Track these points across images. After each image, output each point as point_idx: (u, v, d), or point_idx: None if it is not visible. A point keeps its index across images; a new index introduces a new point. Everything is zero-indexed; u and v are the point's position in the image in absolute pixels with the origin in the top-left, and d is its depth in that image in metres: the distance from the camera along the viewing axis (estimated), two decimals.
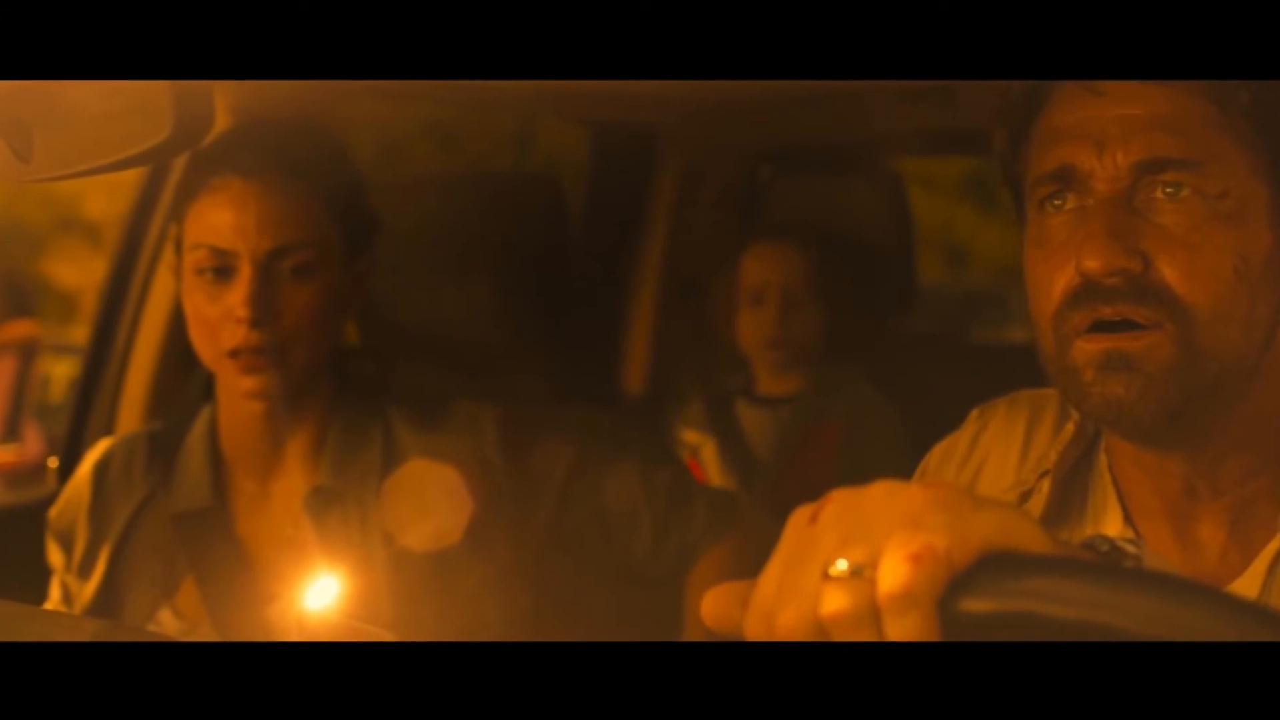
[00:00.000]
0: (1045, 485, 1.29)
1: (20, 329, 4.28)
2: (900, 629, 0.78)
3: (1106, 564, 0.83)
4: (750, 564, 0.83)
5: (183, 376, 2.19)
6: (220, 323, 1.74)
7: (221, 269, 1.74)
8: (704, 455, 2.78)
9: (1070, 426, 1.31)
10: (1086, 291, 1.15)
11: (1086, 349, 1.16)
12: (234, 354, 1.74)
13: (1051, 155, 1.19)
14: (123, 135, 1.10)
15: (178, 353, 2.23)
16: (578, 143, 3.09)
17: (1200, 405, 1.16)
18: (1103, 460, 1.27)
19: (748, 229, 2.98)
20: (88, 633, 1.08)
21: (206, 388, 1.89)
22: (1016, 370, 1.36)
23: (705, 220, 3.00)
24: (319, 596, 1.21)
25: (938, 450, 1.42)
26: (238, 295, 1.72)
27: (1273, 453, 1.20)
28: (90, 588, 1.86)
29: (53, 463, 2.45)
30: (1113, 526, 1.24)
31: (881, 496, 0.82)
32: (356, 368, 1.89)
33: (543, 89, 2.36)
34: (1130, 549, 0.84)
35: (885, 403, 2.74)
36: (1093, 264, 1.14)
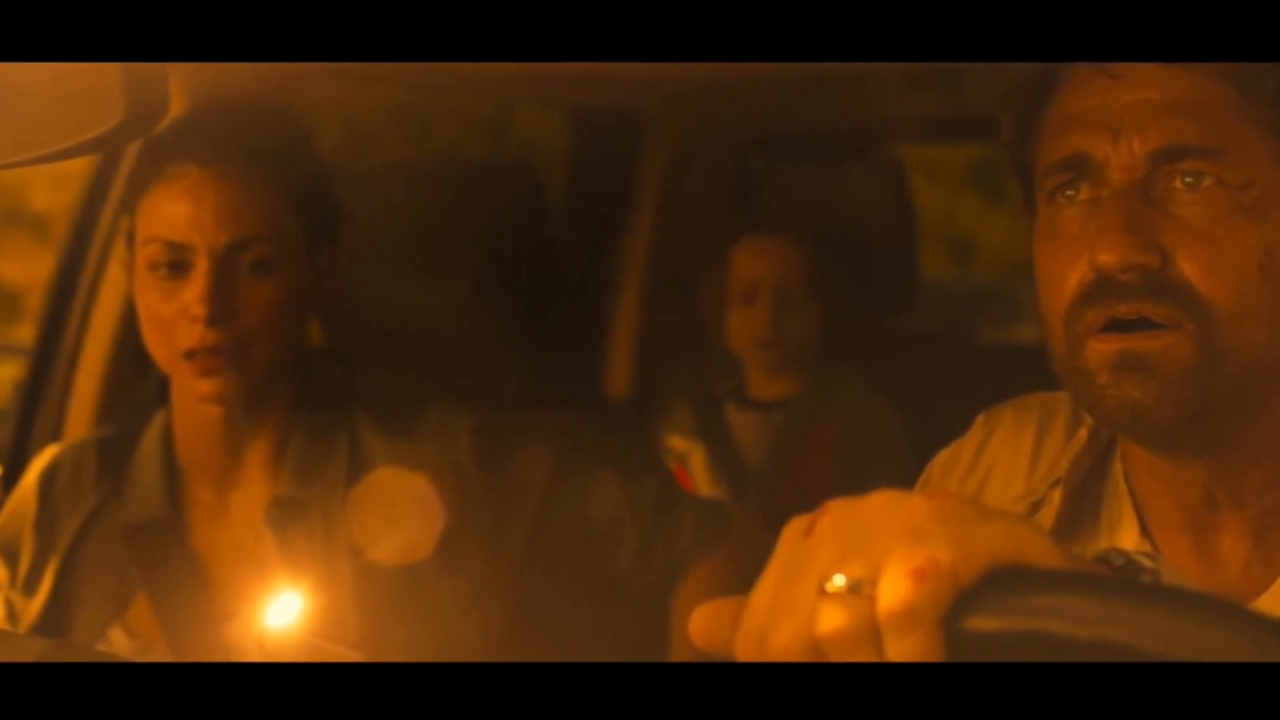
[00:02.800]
0: (1056, 495, 1.29)
1: None
2: (902, 649, 0.78)
3: (1122, 579, 0.83)
4: (742, 579, 0.83)
5: (135, 379, 2.18)
6: (175, 321, 1.74)
7: (176, 264, 1.74)
8: (692, 463, 2.78)
9: (1083, 432, 1.31)
10: (1100, 288, 1.15)
11: (1100, 349, 1.16)
12: (190, 355, 1.73)
13: (1063, 143, 1.19)
14: (71, 121, 1.10)
15: (129, 354, 2.23)
16: (557, 129, 3.08)
17: (1221, 409, 1.16)
18: (1117, 468, 1.28)
19: (739, 221, 2.97)
20: (33, 652, 1.08)
21: (160, 391, 1.88)
22: (1025, 372, 1.36)
23: (694, 212, 3.00)
24: (280, 614, 1.21)
25: (941, 457, 1.42)
26: (194, 292, 1.72)
27: None
28: (36, 604, 1.86)
29: None
30: (1128, 539, 1.24)
31: (881, 507, 0.81)
32: (320, 369, 1.88)
33: (519, 71, 2.36)
34: (1147, 563, 0.84)
35: (885, 406, 2.74)
36: (1107, 258, 1.14)
